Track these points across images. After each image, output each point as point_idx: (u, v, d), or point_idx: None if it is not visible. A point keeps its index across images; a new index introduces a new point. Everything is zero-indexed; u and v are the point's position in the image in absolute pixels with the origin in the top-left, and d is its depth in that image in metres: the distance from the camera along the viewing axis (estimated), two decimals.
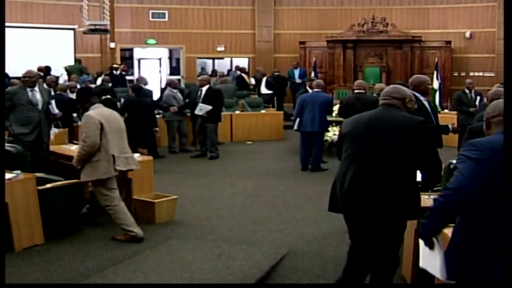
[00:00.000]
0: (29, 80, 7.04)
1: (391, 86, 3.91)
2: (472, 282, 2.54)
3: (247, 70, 17.50)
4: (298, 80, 16.06)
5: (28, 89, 6.97)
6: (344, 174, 3.60)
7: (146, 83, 11.98)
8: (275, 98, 15.65)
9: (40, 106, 7.06)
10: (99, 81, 14.07)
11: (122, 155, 5.37)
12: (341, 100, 8.91)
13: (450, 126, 6.38)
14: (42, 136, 7.01)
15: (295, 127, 9.08)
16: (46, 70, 14.76)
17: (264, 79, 15.74)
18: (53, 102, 8.80)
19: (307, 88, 10.39)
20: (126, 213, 5.35)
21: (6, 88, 7.28)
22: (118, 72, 15.85)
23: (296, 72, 16.51)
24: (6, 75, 12.73)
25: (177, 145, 10.81)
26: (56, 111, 8.57)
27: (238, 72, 16.53)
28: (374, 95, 9.44)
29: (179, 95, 10.97)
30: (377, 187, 3.45)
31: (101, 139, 5.19)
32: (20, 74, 9.70)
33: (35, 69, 13.13)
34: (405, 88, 3.82)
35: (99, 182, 5.28)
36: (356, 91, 8.54)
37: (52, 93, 9.21)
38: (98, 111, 5.31)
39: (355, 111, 8.19)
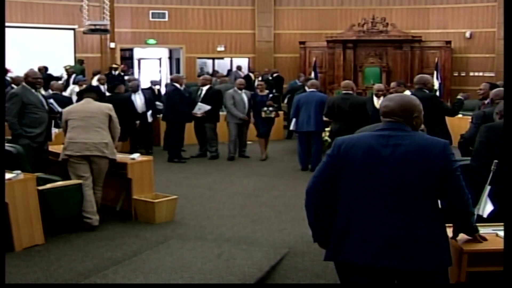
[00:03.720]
0: (41, 81, 6.94)
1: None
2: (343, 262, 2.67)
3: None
4: None
5: (33, 90, 6.74)
6: None
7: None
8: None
9: (46, 106, 7.02)
10: (94, 81, 13.84)
11: (80, 140, 5.74)
12: (327, 100, 8.74)
13: (461, 97, 6.74)
14: (49, 136, 6.94)
15: (292, 127, 9.26)
16: (44, 70, 14.76)
17: (260, 78, 15.65)
18: (52, 100, 8.82)
19: (306, 88, 10.36)
20: (90, 201, 5.65)
21: (6, 88, 7.18)
22: (117, 72, 15.82)
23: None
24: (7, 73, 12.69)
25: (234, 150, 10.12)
26: (59, 109, 8.59)
27: (240, 73, 16.42)
28: (374, 95, 9.42)
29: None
30: None
31: (66, 130, 5.88)
32: (20, 74, 9.67)
33: (35, 69, 13.12)
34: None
35: (69, 165, 5.79)
36: (343, 91, 8.45)
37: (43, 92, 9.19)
38: (73, 105, 6.28)
39: (340, 112, 8.23)
